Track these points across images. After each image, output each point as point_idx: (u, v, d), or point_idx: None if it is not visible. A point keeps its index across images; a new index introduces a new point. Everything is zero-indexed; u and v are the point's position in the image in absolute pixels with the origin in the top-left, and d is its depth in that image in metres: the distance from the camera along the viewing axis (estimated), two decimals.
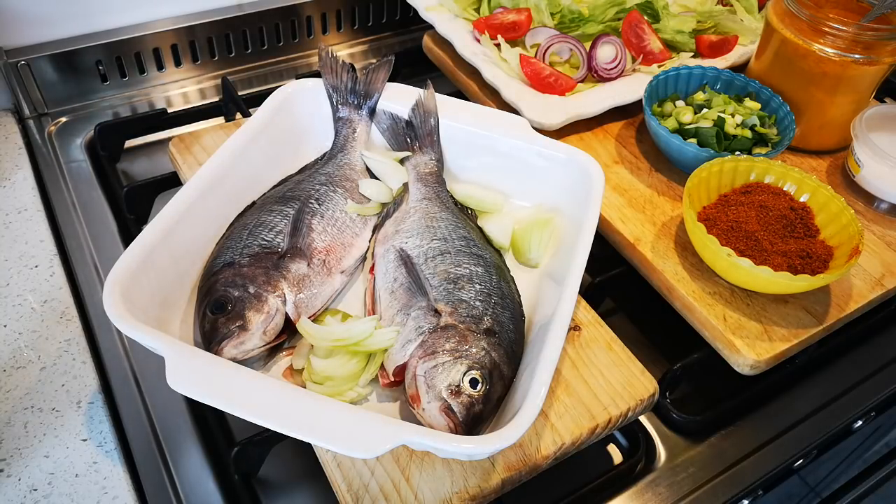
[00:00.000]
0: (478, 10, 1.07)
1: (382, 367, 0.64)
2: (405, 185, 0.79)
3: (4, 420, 0.66)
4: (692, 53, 1.04)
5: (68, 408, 0.67)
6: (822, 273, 0.72)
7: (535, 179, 0.81)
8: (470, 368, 0.59)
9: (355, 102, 0.83)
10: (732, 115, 0.89)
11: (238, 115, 1.01)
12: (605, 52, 0.99)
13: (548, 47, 0.98)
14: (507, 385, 0.62)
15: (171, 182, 0.90)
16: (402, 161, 0.81)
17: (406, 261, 0.68)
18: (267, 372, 0.65)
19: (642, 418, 0.74)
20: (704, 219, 0.77)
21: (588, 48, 0.99)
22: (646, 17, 1.04)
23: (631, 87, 0.97)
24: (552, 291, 0.68)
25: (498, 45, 1.00)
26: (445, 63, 1.08)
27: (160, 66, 1.08)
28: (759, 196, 0.79)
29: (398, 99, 0.82)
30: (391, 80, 0.84)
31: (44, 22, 0.99)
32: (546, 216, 0.79)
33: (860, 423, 0.79)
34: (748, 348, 0.71)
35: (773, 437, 0.75)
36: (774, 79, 0.93)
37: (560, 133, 0.93)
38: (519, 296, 0.70)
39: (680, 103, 0.93)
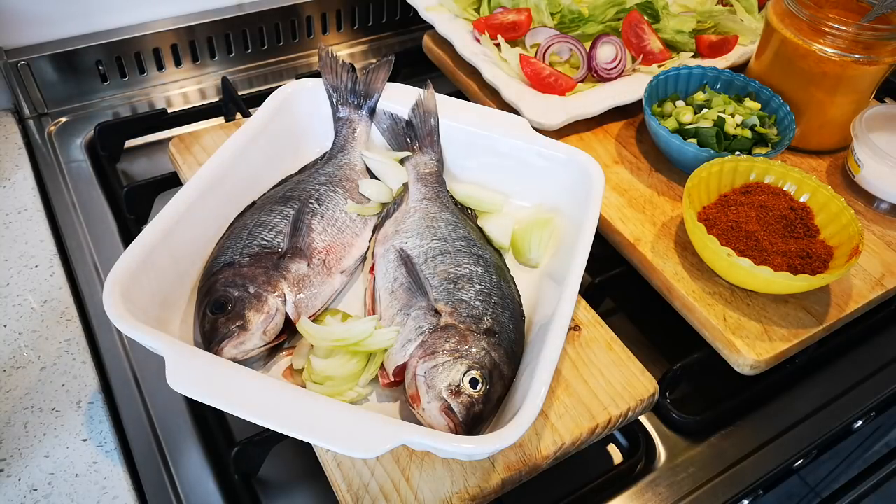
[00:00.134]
0: (478, 10, 1.07)
1: (382, 367, 0.64)
2: (405, 185, 0.79)
3: (4, 420, 0.66)
4: (692, 53, 1.04)
5: (68, 408, 0.67)
6: (822, 273, 0.72)
7: (535, 179, 0.81)
8: (470, 368, 0.59)
9: (355, 102, 0.83)
10: (732, 115, 0.89)
11: (238, 115, 1.01)
12: (605, 52, 0.99)
13: (548, 47, 0.98)
14: (507, 385, 0.62)
15: (171, 182, 0.90)
16: (402, 161, 0.81)
17: (406, 261, 0.68)
18: (267, 372, 0.65)
19: (642, 418, 0.74)
20: (704, 219, 0.77)
21: (588, 48, 0.99)
22: (646, 17, 1.04)
23: (631, 87, 0.97)
24: (552, 291, 0.68)
25: (498, 45, 1.00)
26: (445, 63, 1.08)
27: (160, 66, 1.08)
28: (759, 196, 0.79)
29: (398, 99, 0.82)
30: (391, 80, 0.84)
31: (44, 22, 0.99)
32: (546, 216, 0.79)
33: (860, 423, 0.79)
34: (748, 348, 0.71)
35: (773, 437, 0.75)
36: (774, 79, 0.93)
37: (560, 133, 0.93)
38: (519, 296, 0.70)
39: (680, 103, 0.93)
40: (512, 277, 0.72)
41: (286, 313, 0.65)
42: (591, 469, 0.70)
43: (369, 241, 0.75)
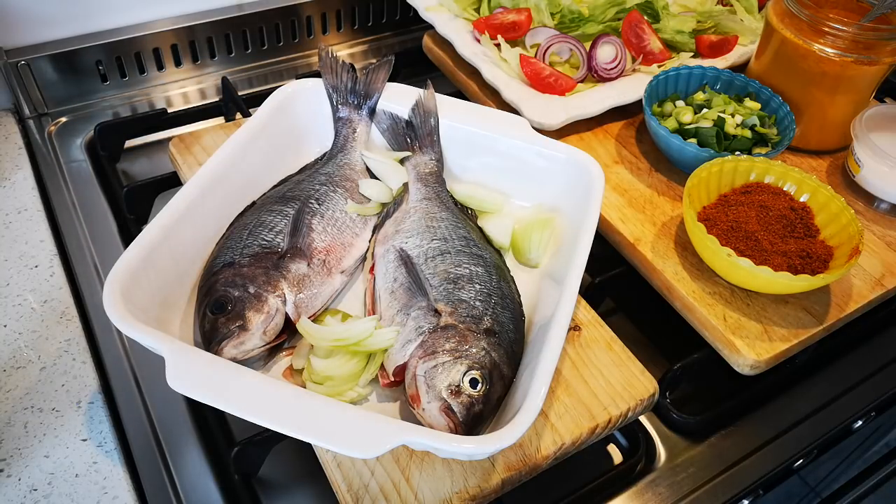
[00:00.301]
0: (478, 10, 1.07)
1: (382, 367, 0.64)
2: (405, 185, 0.79)
3: (4, 420, 0.66)
4: (692, 53, 1.04)
5: (68, 408, 0.67)
6: (822, 273, 0.72)
7: (535, 179, 0.81)
8: (470, 368, 0.59)
9: (355, 102, 0.83)
10: (732, 115, 0.89)
11: (238, 115, 1.01)
12: (605, 52, 0.99)
13: (548, 47, 0.98)
14: (507, 385, 0.62)
15: (171, 182, 0.90)
16: (402, 161, 0.81)
17: (406, 261, 0.68)
18: (267, 372, 0.65)
19: (642, 418, 0.74)
20: (704, 219, 0.77)
21: (588, 48, 0.99)
22: (646, 17, 1.04)
23: (631, 87, 0.97)
24: (552, 291, 0.68)
25: (498, 45, 0.99)
26: (445, 63, 1.08)
27: (160, 66, 1.08)
28: (759, 196, 0.79)
29: (398, 99, 0.82)
30: (391, 80, 0.84)
31: (44, 22, 0.99)
32: (546, 216, 0.79)
33: (860, 423, 0.79)
34: (748, 348, 0.71)
35: (773, 437, 0.75)
36: (774, 79, 0.93)
37: (560, 133, 0.93)
38: (519, 296, 0.70)
39: (680, 103, 0.93)
40: (512, 277, 0.72)
41: (286, 313, 0.65)
42: (591, 469, 0.70)
43: (369, 241, 0.75)
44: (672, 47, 1.05)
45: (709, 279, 0.77)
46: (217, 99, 1.07)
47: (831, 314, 0.75)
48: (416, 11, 1.08)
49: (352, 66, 0.84)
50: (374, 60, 1.19)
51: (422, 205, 0.75)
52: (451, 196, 0.79)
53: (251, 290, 0.64)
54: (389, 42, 1.25)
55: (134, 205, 0.89)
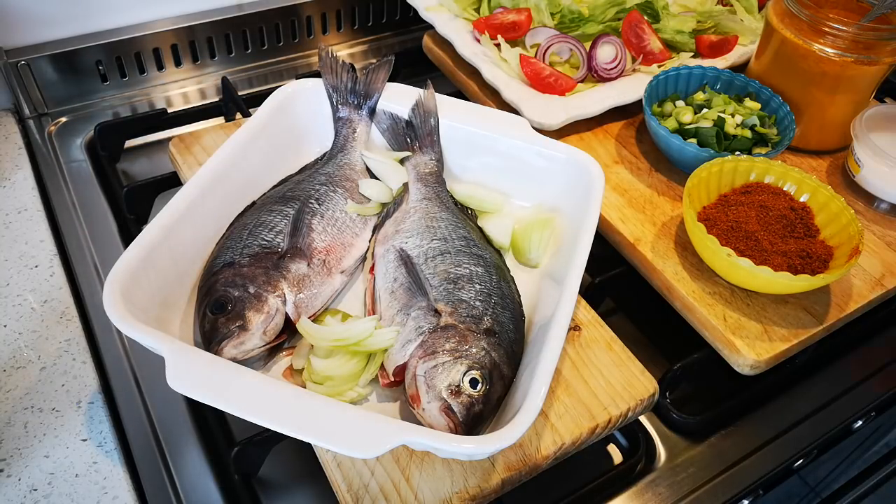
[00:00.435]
0: (478, 10, 1.07)
1: (382, 367, 0.64)
2: (405, 185, 0.79)
3: (4, 420, 0.66)
4: (692, 53, 1.04)
5: (68, 408, 0.67)
6: (822, 273, 0.72)
7: (535, 179, 0.81)
8: (470, 368, 0.59)
9: (355, 102, 0.83)
10: (732, 115, 0.89)
11: (238, 115, 1.01)
12: (605, 52, 0.99)
13: (548, 47, 0.98)
14: (507, 385, 0.62)
15: (171, 182, 0.90)
16: (402, 161, 0.81)
17: (406, 261, 0.68)
18: (267, 372, 0.65)
19: (642, 418, 0.74)
20: (704, 219, 0.77)
21: (588, 48, 0.99)
22: (646, 17, 1.04)
23: (631, 87, 0.97)
24: (552, 291, 0.68)
25: (498, 45, 0.99)
26: (445, 63, 1.08)
27: (160, 66, 1.08)
28: (759, 196, 0.79)
29: (398, 99, 0.82)
30: (391, 80, 0.84)
31: (44, 22, 0.99)
32: (546, 216, 0.79)
33: (860, 423, 0.79)
34: (748, 348, 0.71)
35: (773, 437, 0.75)
36: (774, 79, 0.93)
37: (560, 133, 0.93)
38: (519, 296, 0.70)
39: (680, 103, 0.93)
40: (512, 277, 0.72)
41: (286, 313, 0.65)
42: (591, 469, 0.70)
43: (369, 241, 0.75)
44: (672, 47, 1.05)
45: (709, 279, 0.77)
46: (217, 99, 1.07)
47: (831, 314, 0.75)
48: (416, 11, 1.08)
49: (352, 66, 0.84)
50: (374, 60, 1.19)
51: (422, 205, 0.75)
52: (451, 196, 0.79)
53: (251, 290, 0.64)
54: (389, 42, 1.25)
55: (134, 205, 0.89)
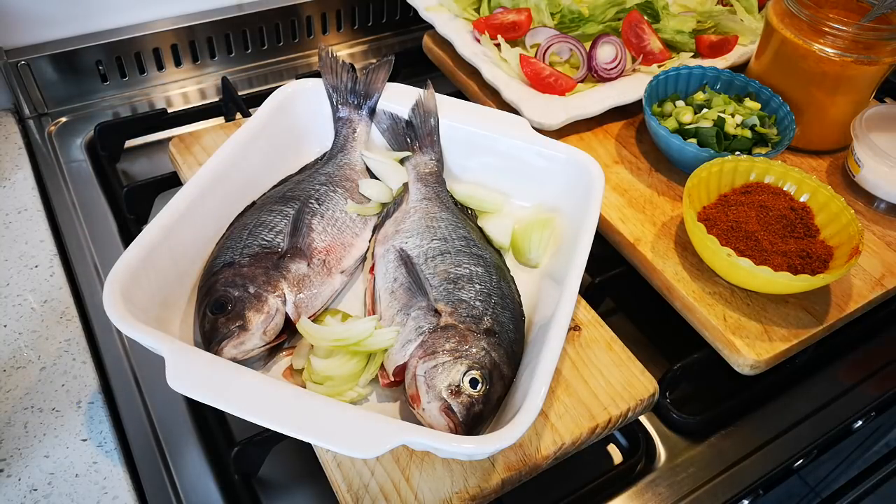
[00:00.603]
0: (478, 10, 1.07)
1: (382, 367, 0.64)
2: (405, 185, 0.79)
3: (4, 420, 0.66)
4: (692, 53, 1.04)
5: (68, 408, 0.67)
6: (822, 273, 0.72)
7: (535, 179, 0.81)
8: (470, 368, 0.59)
9: (355, 102, 0.83)
10: (732, 115, 0.89)
11: (238, 115, 1.01)
12: (605, 52, 0.99)
13: (548, 47, 0.98)
14: (507, 385, 0.62)
15: (171, 182, 0.90)
16: (402, 161, 0.81)
17: (406, 261, 0.68)
18: (267, 372, 0.65)
19: (642, 418, 0.74)
20: (704, 219, 0.77)
21: (588, 48, 0.99)
22: (646, 17, 1.04)
23: (631, 87, 0.97)
24: (552, 291, 0.68)
25: (498, 45, 0.99)
26: (445, 63, 1.08)
27: (160, 66, 1.08)
28: (759, 196, 0.79)
29: (398, 99, 0.82)
30: (391, 80, 0.84)
31: (44, 22, 0.99)
32: (546, 216, 0.79)
33: (860, 423, 0.79)
34: (748, 348, 0.71)
35: (773, 437, 0.75)
36: (774, 79, 0.93)
37: (560, 133, 0.93)
38: (519, 296, 0.70)
39: (680, 103, 0.93)
40: (512, 277, 0.72)
41: (286, 313, 0.65)
42: (591, 469, 0.70)
43: (369, 241, 0.75)
44: (672, 47, 1.05)
45: (709, 279, 0.77)
46: (217, 99, 1.07)
47: (831, 314, 0.75)
48: (416, 11, 1.08)
49: (352, 66, 0.84)
50: (374, 60, 1.19)
51: (422, 205, 0.75)
52: (451, 196, 0.79)
53: (251, 290, 0.64)
54: (389, 42, 1.25)
55: (134, 205, 0.89)
